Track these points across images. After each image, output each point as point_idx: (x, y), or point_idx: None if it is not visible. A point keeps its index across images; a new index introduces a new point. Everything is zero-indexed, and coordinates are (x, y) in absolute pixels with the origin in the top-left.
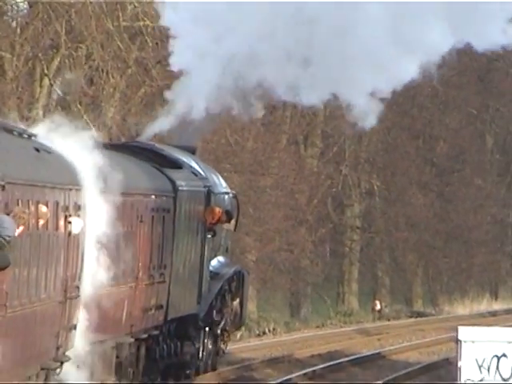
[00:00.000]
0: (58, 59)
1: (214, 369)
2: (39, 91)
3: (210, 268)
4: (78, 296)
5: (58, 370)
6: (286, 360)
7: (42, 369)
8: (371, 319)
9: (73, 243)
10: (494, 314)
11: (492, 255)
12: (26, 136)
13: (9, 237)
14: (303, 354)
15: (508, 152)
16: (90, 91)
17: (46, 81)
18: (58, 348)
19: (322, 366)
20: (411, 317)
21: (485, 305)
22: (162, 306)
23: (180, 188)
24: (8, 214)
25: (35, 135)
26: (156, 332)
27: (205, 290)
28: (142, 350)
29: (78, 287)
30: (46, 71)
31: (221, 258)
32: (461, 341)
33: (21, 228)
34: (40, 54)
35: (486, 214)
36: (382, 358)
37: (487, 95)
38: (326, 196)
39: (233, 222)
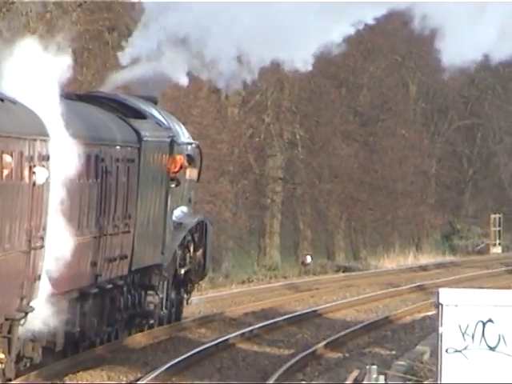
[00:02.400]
0: None
1: (177, 319)
2: None
3: (174, 218)
4: (43, 246)
5: (23, 321)
6: (217, 318)
7: (6, 319)
8: (297, 273)
9: (37, 193)
10: (424, 268)
11: (416, 207)
12: None
13: None
14: (235, 311)
15: (432, 101)
16: (8, 35)
17: None
18: (22, 298)
19: (258, 325)
20: (337, 271)
21: (411, 258)
22: (126, 256)
23: (144, 138)
24: None
25: None
26: (120, 282)
27: (168, 240)
28: (107, 300)
29: (42, 237)
30: None
31: (184, 209)
32: (442, 304)
33: None
34: None
35: (411, 165)
36: (318, 316)
37: (413, 42)
38: (249, 146)
39: (196, 172)
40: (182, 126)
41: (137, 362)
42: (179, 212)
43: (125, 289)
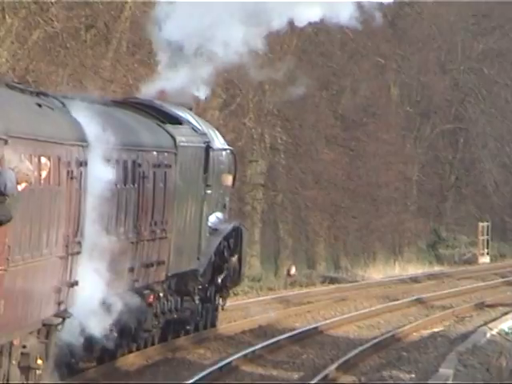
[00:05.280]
0: None
1: (213, 325)
2: None
3: (209, 224)
4: (80, 252)
5: (60, 327)
6: (213, 337)
7: (44, 325)
8: (283, 285)
9: (75, 199)
10: (415, 279)
11: (400, 215)
12: (28, 92)
13: (11, 192)
14: (230, 329)
15: (415, 105)
16: None
17: None
18: (59, 304)
19: (259, 345)
20: (324, 282)
21: (398, 269)
22: (163, 262)
23: (181, 144)
24: (11, 169)
25: (38, 91)
26: (157, 288)
27: (204, 246)
28: (144, 306)
29: (79, 243)
30: None
31: (219, 214)
32: None
33: (23, 184)
34: None
35: (394, 171)
36: (319, 333)
37: (396, 43)
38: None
39: (230, 178)
40: (217, 132)
41: None
42: (214, 218)
43: (161, 294)
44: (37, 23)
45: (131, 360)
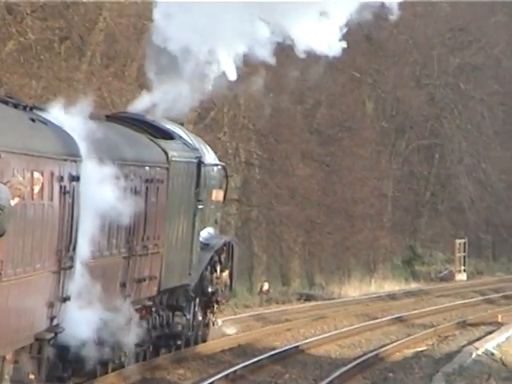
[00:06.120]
0: None
1: (204, 340)
2: None
3: (201, 239)
4: (72, 267)
5: (52, 341)
6: (191, 356)
7: (36, 339)
8: (258, 303)
9: (68, 214)
10: (393, 297)
11: (375, 231)
12: (21, 107)
13: (3, 206)
14: (209, 347)
15: (390, 120)
16: None
17: None
18: (51, 319)
19: (240, 365)
20: (299, 299)
21: (375, 286)
22: (155, 277)
23: (173, 159)
24: (4, 183)
25: (31, 106)
26: (150, 303)
27: (195, 261)
28: (136, 321)
29: (72, 258)
30: None
31: (210, 230)
32: None
33: (16, 199)
34: None
35: (370, 187)
36: (300, 352)
37: (372, 57)
38: None
39: (222, 193)
40: (208, 147)
41: None
42: (206, 233)
43: (153, 309)
44: (11, 34)
45: (110, 380)
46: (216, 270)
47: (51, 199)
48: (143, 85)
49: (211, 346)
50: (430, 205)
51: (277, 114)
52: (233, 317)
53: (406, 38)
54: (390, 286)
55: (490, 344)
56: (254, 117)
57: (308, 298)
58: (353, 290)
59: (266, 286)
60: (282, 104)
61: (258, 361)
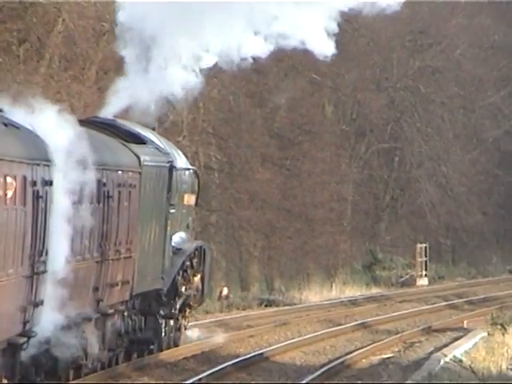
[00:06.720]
0: None
1: (176, 345)
2: None
3: (173, 243)
4: (45, 271)
5: (25, 346)
6: (155, 363)
7: (9, 344)
8: (219, 308)
9: (41, 219)
10: (354, 302)
11: (335, 235)
12: None
13: None
14: (172, 354)
15: (350, 123)
16: None
17: None
18: (24, 323)
19: (205, 373)
20: (260, 305)
21: (335, 291)
22: (128, 282)
23: (145, 163)
24: None
25: (2, 110)
26: (122, 307)
27: (168, 265)
28: (108, 326)
29: (44, 262)
30: None
31: (182, 234)
32: None
33: None
34: None
35: (330, 191)
36: (265, 359)
37: (332, 59)
38: None
39: (193, 197)
40: (180, 151)
41: None
42: (178, 237)
43: (126, 314)
44: None
45: None
46: (188, 275)
47: (24, 204)
48: (103, 88)
49: (174, 353)
50: (389, 209)
51: (236, 117)
52: (194, 323)
53: (367, 40)
54: (351, 291)
55: (458, 351)
56: (213, 120)
57: (269, 303)
58: (313, 295)
59: (225, 291)
60: (241, 107)
61: (223, 368)
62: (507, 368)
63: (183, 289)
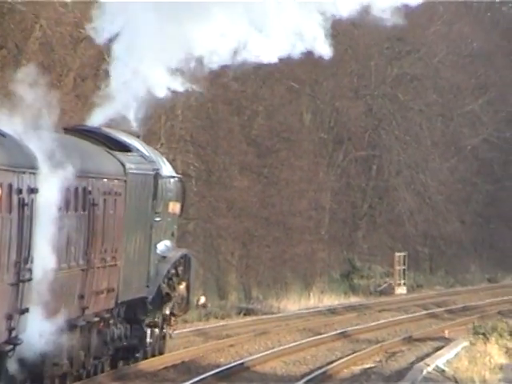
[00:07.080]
0: None
1: (161, 353)
2: None
3: (158, 251)
4: (31, 279)
5: (11, 353)
6: (134, 373)
7: None
8: (197, 317)
9: (26, 226)
10: (333, 311)
11: (312, 244)
12: None
13: None
14: (152, 364)
15: (328, 131)
16: None
17: None
18: (10, 331)
19: (187, 383)
20: (239, 314)
21: (313, 300)
22: (113, 290)
23: (131, 171)
24: None
25: None
26: (107, 315)
27: (153, 273)
28: (94, 333)
29: (30, 270)
30: None
31: (167, 242)
32: None
33: None
34: None
35: (308, 199)
36: (246, 369)
37: (311, 67)
38: None
39: (178, 206)
40: (165, 159)
41: None
42: (163, 246)
43: (111, 322)
44: None
45: None
46: (173, 283)
47: (10, 211)
48: (80, 95)
49: (154, 362)
50: (367, 217)
51: (214, 125)
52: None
53: (345, 47)
54: (330, 300)
55: (440, 360)
56: (191, 128)
57: (247, 312)
58: (291, 304)
59: (202, 300)
60: (219, 115)
61: (204, 378)
62: (499, 380)
63: (168, 297)
